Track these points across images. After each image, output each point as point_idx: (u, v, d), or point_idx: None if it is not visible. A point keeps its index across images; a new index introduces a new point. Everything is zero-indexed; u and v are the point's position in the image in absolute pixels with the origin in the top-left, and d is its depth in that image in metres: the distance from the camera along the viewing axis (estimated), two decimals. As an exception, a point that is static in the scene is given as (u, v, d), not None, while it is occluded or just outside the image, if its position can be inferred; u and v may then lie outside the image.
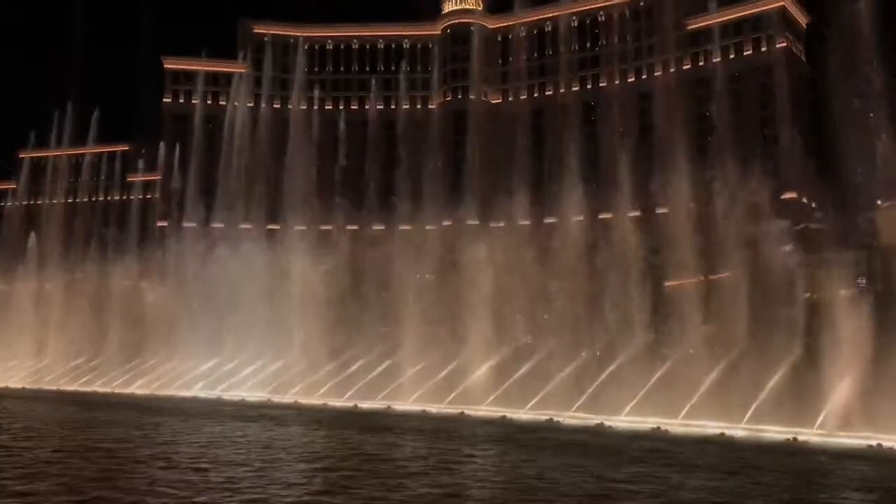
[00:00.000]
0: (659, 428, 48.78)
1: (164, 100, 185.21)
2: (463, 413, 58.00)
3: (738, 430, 47.07)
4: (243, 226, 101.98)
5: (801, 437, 44.03)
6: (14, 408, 59.64)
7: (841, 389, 45.93)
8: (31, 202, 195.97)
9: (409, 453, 35.65)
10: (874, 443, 41.95)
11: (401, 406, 63.04)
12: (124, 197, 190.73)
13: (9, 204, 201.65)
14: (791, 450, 41.28)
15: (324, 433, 44.69)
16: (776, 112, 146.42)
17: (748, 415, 47.70)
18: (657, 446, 40.25)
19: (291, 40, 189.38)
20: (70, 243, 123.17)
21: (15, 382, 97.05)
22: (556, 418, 53.58)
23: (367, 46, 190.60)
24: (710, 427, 47.91)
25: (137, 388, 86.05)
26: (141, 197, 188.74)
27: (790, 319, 51.34)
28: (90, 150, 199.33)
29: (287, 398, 73.20)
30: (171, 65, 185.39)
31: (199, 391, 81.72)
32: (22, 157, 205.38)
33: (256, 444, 37.04)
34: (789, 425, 45.71)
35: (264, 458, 32.14)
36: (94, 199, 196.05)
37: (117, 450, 34.16)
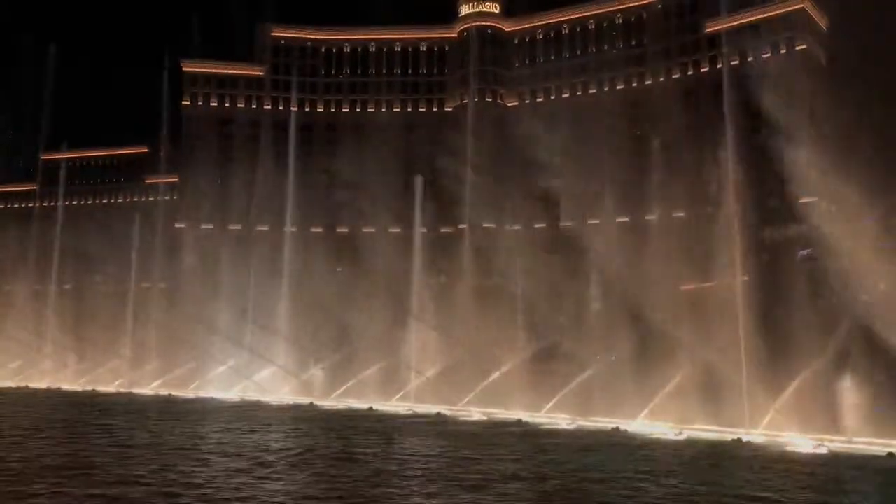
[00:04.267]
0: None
1: (183, 102, 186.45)
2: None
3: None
4: (260, 227, 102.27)
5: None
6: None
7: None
8: (52, 203, 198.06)
9: None
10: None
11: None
12: (143, 199, 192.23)
13: (30, 205, 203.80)
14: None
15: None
16: (795, 115, 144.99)
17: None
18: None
19: (308, 43, 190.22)
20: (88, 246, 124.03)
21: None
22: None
23: (384, 49, 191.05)
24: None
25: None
26: (159, 199, 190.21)
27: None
28: (109, 152, 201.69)
29: None
30: (189, 68, 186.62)
31: None
32: (43, 159, 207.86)
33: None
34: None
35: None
36: (113, 200, 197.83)
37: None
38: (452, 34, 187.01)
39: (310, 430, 50.19)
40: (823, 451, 42.63)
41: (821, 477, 34.97)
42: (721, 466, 37.78)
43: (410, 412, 65.71)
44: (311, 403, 73.68)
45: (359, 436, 45.68)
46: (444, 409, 64.65)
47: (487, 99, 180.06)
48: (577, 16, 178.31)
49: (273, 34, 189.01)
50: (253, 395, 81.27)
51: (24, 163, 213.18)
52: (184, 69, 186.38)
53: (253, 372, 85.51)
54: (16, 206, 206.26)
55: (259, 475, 32.11)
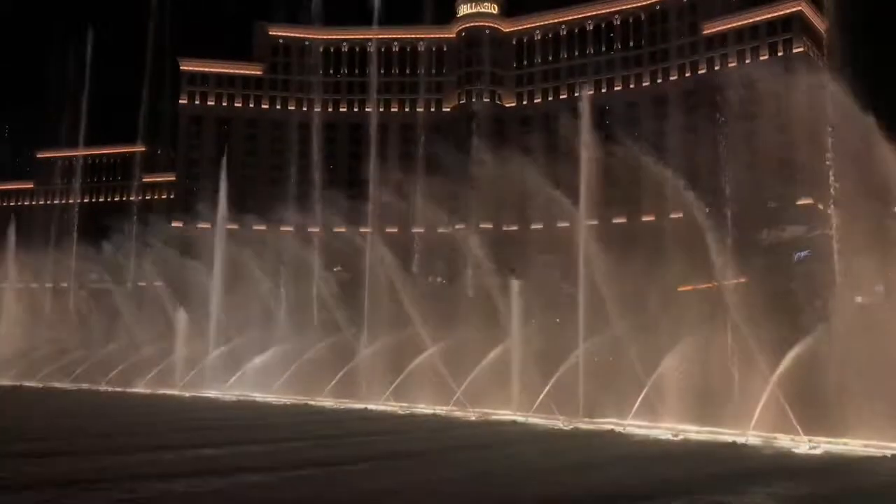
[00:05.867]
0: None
1: (180, 101, 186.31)
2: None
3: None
4: (257, 227, 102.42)
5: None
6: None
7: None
8: (48, 202, 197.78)
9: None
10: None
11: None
12: (140, 197, 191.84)
13: (26, 203, 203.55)
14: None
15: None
16: (792, 117, 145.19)
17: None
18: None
19: (307, 43, 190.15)
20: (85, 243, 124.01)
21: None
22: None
23: (383, 49, 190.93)
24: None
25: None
26: (157, 197, 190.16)
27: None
28: (107, 150, 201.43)
29: None
30: (187, 66, 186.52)
31: None
32: (39, 158, 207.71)
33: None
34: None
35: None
36: (109, 199, 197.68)
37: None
38: (450, 34, 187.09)
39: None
40: (818, 452, 42.59)
41: (815, 478, 34.97)
42: (722, 469, 37.83)
43: (407, 412, 65.55)
44: (306, 404, 73.45)
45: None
46: (440, 409, 64.52)
47: (485, 99, 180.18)
48: (575, 17, 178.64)
49: (271, 33, 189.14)
50: (248, 395, 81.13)
51: (21, 161, 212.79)
52: (182, 68, 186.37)
53: (245, 370, 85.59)
54: (12, 203, 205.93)
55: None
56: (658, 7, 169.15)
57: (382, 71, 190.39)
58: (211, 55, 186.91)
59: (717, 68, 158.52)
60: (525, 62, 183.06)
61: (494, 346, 63.55)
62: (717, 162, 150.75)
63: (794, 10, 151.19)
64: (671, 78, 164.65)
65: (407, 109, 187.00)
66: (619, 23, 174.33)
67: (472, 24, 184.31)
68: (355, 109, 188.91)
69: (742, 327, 50.61)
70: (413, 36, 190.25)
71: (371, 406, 68.99)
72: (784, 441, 45.24)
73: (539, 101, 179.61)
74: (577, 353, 57.77)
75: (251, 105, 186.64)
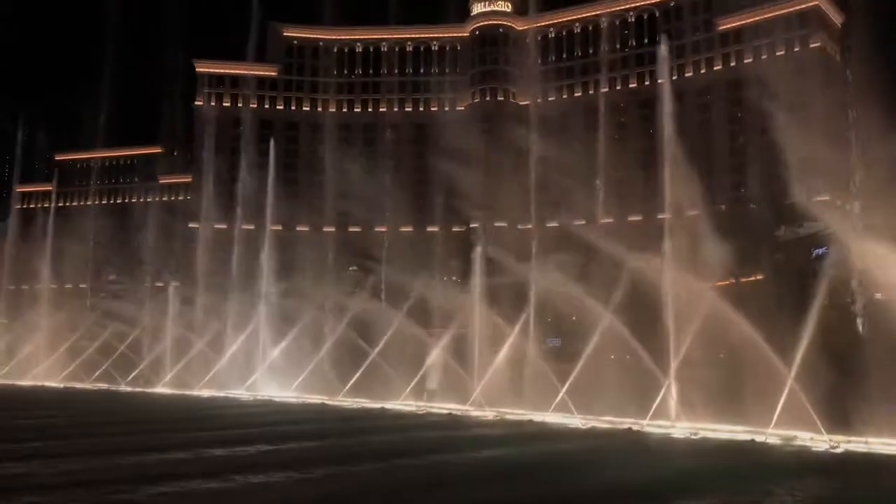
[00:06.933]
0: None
1: (196, 102, 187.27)
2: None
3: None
4: (273, 227, 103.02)
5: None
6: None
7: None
8: (67, 204, 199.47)
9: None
10: None
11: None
12: (157, 199, 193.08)
13: (46, 205, 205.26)
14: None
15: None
16: (810, 113, 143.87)
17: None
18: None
19: (321, 43, 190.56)
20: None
21: None
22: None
23: (397, 49, 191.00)
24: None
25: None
26: (173, 198, 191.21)
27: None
28: (124, 152, 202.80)
29: None
30: (202, 68, 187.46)
31: None
32: (58, 160, 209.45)
33: None
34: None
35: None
36: (128, 200, 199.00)
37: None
38: (464, 33, 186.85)
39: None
40: (839, 451, 42.25)
41: (842, 478, 34.68)
42: (744, 469, 37.61)
43: (423, 411, 65.75)
44: (323, 403, 73.75)
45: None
46: (455, 409, 64.65)
47: (499, 98, 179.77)
48: (588, 14, 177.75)
49: (285, 34, 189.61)
50: (264, 395, 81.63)
51: (40, 163, 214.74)
52: (197, 69, 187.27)
53: (262, 371, 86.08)
54: (32, 206, 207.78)
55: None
56: (672, 3, 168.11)
57: (396, 70, 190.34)
58: (226, 56, 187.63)
59: (732, 64, 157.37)
60: (539, 60, 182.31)
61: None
62: (733, 158, 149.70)
63: (811, 4, 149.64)
64: (686, 74, 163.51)
65: (421, 109, 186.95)
66: (633, 20, 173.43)
67: (485, 23, 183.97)
68: (369, 109, 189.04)
69: (758, 325, 50.32)
70: (427, 35, 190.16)
71: (388, 405, 69.17)
72: (804, 440, 44.90)
73: (553, 98, 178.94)
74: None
75: (266, 106, 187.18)
